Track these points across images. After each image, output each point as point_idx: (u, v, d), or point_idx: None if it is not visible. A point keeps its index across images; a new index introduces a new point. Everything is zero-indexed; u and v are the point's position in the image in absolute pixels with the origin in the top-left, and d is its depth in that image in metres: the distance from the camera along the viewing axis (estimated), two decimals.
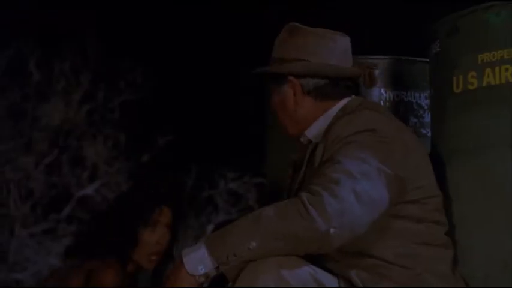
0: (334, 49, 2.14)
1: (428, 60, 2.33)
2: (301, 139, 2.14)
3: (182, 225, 2.56)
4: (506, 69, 2.06)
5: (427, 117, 2.79)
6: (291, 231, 1.76)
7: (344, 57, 2.15)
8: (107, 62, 10.27)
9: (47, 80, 10.56)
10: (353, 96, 2.12)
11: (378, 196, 1.83)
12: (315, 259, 1.89)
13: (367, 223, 1.80)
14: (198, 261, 1.83)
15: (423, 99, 2.85)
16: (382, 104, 2.70)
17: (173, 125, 10.20)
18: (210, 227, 10.88)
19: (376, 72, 2.17)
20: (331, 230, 1.74)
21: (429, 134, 2.47)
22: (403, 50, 2.90)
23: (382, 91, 2.61)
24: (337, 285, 1.91)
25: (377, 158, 1.86)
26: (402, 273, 1.90)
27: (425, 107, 2.84)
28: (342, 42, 2.16)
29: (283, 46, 2.17)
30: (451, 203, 2.10)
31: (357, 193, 1.79)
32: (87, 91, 10.68)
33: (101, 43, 10.19)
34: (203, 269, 1.82)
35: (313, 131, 2.10)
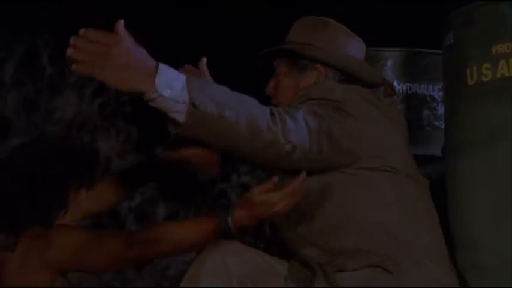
0: (359, 49, 2.17)
1: (441, 52, 2.31)
2: None
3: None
4: None
5: (441, 110, 2.78)
6: (259, 132, 1.78)
7: (363, 60, 2.18)
8: None
9: (59, 74, 10.60)
10: None
11: (315, 141, 1.87)
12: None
13: (304, 148, 1.86)
14: (171, 80, 1.70)
15: (436, 91, 2.84)
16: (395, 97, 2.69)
17: None
18: None
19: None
20: (288, 145, 1.81)
21: (442, 127, 2.46)
22: (416, 42, 2.89)
23: (395, 84, 2.61)
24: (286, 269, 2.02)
25: (327, 118, 1.90)
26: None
27: (439, 100, 2.83)
28: (362, 46, 2.19)
29: (313, 34, 2.14)
30: (464, 195, 2.10)
31: (307, 121, 1.85)
32: (99, 84, 10.71)
33: None
34: (168, 92, 1.70)
35: None
